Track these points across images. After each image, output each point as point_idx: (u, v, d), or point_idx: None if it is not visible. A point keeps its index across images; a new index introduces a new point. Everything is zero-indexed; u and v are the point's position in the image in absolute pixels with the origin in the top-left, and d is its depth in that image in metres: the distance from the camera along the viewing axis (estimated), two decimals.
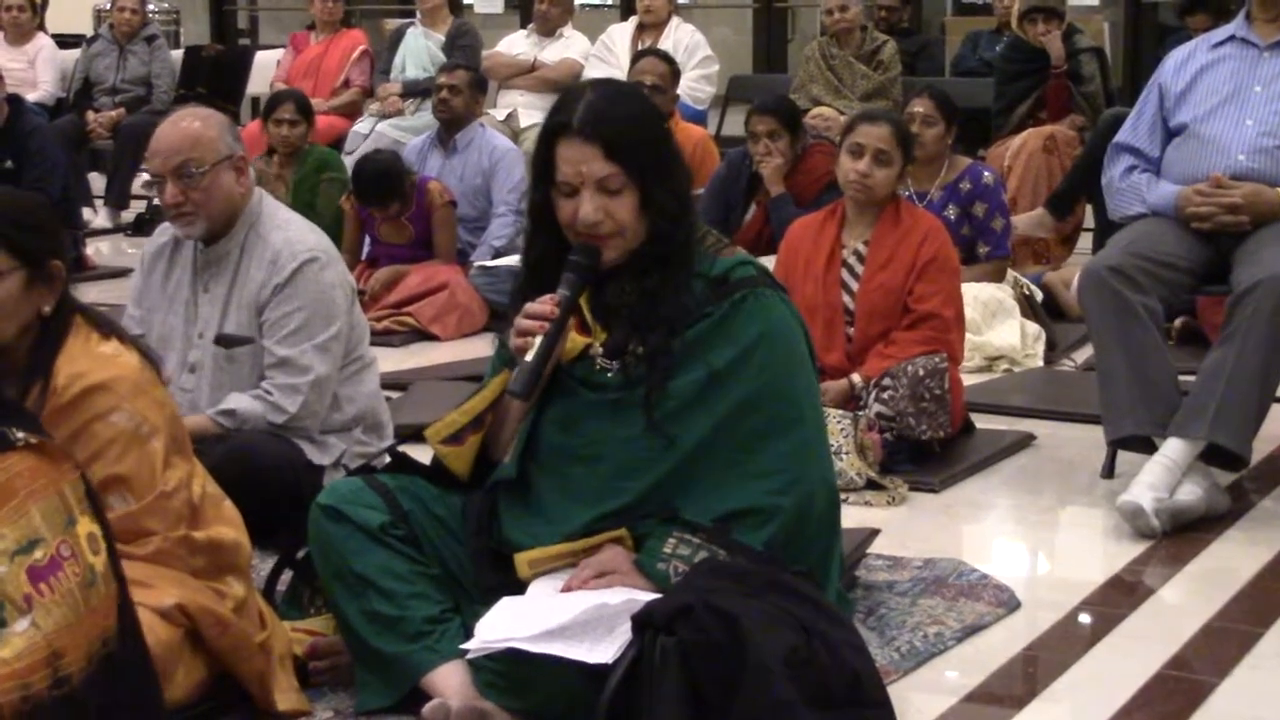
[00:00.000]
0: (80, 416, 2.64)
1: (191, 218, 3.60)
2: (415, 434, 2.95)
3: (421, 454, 2.95)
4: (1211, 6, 7.75)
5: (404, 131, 8.30)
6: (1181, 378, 4.13)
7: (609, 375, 2.75)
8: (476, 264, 6.63)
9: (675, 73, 7.24)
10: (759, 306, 2.72)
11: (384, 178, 6.44)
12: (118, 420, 2.66)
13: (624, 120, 2.72)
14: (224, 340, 3.66)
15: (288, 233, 3.68)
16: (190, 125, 3.58)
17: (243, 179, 3.65)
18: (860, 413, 4.28)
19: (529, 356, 2.66)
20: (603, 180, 2.68)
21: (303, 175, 6.99)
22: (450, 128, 7.09)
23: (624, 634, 2.47)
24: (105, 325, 2.78)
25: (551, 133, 2.72)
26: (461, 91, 7.07)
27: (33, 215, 2.75)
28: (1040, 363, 5.71)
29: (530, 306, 2.69)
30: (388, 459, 3.03)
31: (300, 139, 7.04)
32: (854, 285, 4.53)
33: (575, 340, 2.77)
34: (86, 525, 2.24)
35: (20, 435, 2.26)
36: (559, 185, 2.71)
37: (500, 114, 8.59)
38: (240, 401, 3.61)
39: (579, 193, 2.69)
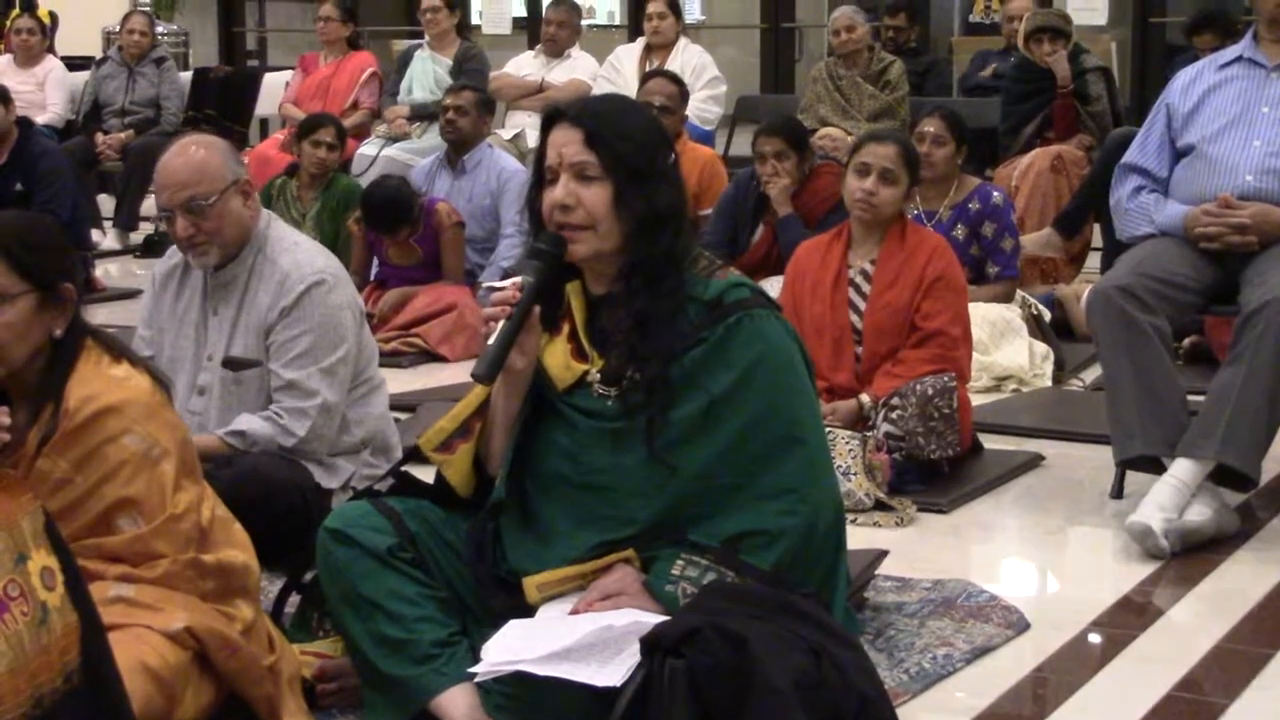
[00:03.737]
0: (91, 439, 2.64)
1: (205, 248, 3.61)
2: (418, 454, 2.95)
3: (426, 474, 2.95)
4: (1219, 26, 7.77)
5: (411, 154, 8.32)
6: (1190, 398, 4.13)
7: (608, 403, 2.74)
8: (485, 285, 6.63)
9: (684, 93, 7.25)
10: (754, 329, 2.71)
11: (393, 205, 6.45)
12: (129, 443, 2.66)
13: (612, 115, 2.74)
14: (232, 363, 3.67)
15: (296, 255, 3.68)
16: (192, 157, 3.57)
17: (249, 202, 3.65)
18: (869, 433, 4.28)
19: (491, 341, 2.66)
20: (578, 165, 2.68)
21: (327, 207, 7.00)
22: (458, 149, 7.11)
23: (632, 656, 2.47)
24: (116, 348, 2.79)
25: (547, 121, 2.76)
26: (468, 112, 7.09)
27: (44, 238, 2.75)
28: (1048, 383, 5.71)
29: (494, 294, 2.71)
30: (391, 480, 3.02)
31: (334, 164, 7.14)
32: (861, 305, 4.54)
33: (573, 367, 2.78)
34: (41, 559, 2.18)
35: None
36: (545, 174, 2.73)
37: (507, 134, 8.61)
38: (250, 423, 3.61)
39: (559, 179, 2.70)
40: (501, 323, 2.66)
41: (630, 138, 2.70)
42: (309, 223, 6.90)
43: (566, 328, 2.81)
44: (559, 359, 2.79)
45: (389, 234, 6.55)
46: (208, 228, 3.57)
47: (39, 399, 2.68)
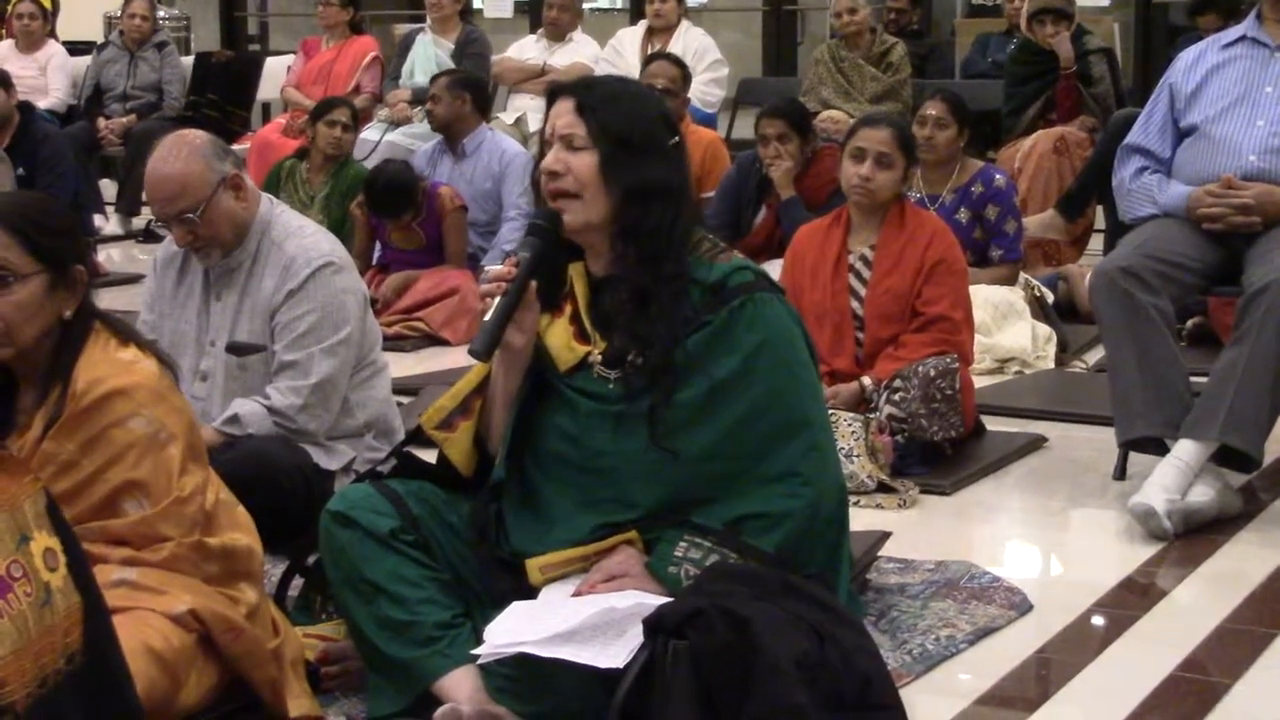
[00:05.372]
0: (98, 422, 2.64)
1: (206, 249, 3.62)
2: (419, 436, 2.95)
3: (428, 457, 2.96)
4: (1222, 7, 7.74)
5: (413, 139, 8.30)
6: (1193, 379, 4.13)
7: (609, 386, 2.75)
8: (487, 269, 6.62)
9: (686, 76, 7.25)
10: (758, 313, 2.71)
11: (397, 189, 6.45)
12: (136, 426, 2.66)
13: (606, 89, 2.78)
14: (236, 348, 3.66)
15: (303, 240, 3.67)
16: (173, 169, 3.53)
17: (242, 193, 3.61)
18: (871, 415, 4.28)
19: (487, 317, 2.67)
20: (567, 136, 2.71)
21: (336, 191, 6.99)
22: (446, 134, 7.11)
23: (635, 638, 2.47)
24: (124, 331, 2.79)
25: (550, 98, 2.80)
26: (440, 98, 7.08)
27: (57, 219, 2.76)
28: (1051, 364, 5.71)
29: (490, 270, 2.72)
30: (394, 461, 3.02)
31: (349, 145, 7.15)
32: (862, 290, 4.53)
33: (575, 349, 2.78)
34: (44, 541, 2.16)
35: None
36: (544, 146, 2.75)
37: (510, 118, 8.60)
38: (242, 406, 3.61)
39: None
40: (497, 299, 2.67)
41: (620, 109, 2.72)
42: (317, 205, 6.89)
43: (569, 309, 2.81)
44: (561, 340, 2.79)
45: (392, 218, 6.55)
46: (203, 233, 3.57)
47: (47, 381, 2.69)
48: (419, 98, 8.66)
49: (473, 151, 7.08)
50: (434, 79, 7.36)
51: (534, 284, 2.72)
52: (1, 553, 2.10)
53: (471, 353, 2.69)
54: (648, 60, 7.63)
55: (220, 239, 3.61)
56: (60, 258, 2.71)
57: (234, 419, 3.59)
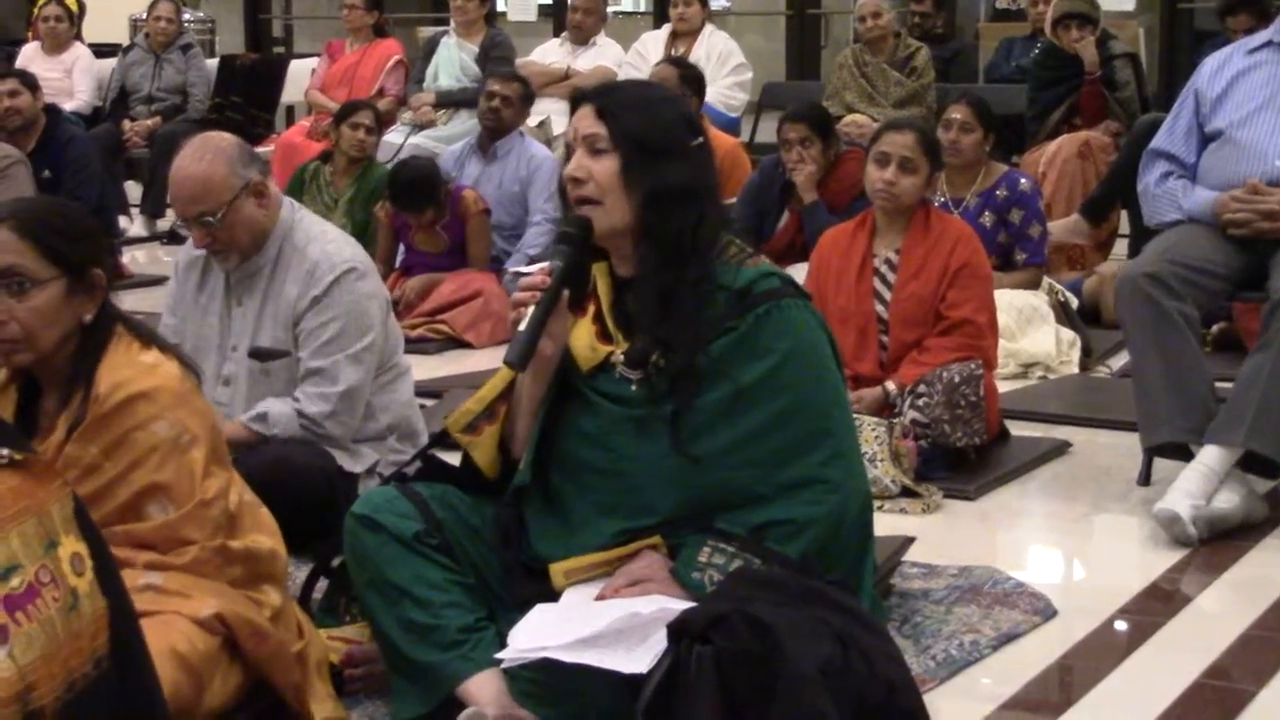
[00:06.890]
0: (121, 425, 2.65)
1: (224, 253, 3.64)
2: (443, 438, 2.95)
3: (453, 458, 2.96)
4: (1253, 7, 7.70)
5: (437, 141, 8.32)
6: (1218, 384, 4.12)
7: (632, 387, 2.74)
8: (511, 271, 6.64)
9: (689, 78, 7.20)
10: (784, 319, 2.70)
11: (420, 183, 6.46)
12: (159, 429, 2.67)
13: (627, 93, 2.79)
14: (259, 354, 3.67)
15: (325, 245, 3.68)
16: (198, 170, 3.54)
17: (264, 200, 3.62)
18: (895, 420, 4.28)
19: (522, 326, 2.67)
20: (589, 138, 2.71)
21: (360, 194, 7.01)
22: (493, 136, 7.11)
23: (658, 643, 2.47)
24: (146, 334, 2.80)
25: (574, 105, 2.80)
26: (513, 103, 7.10)
27: (74, 224, 2.77)
28: (1075, 369, 5.70)
29: (523, 279, 2.71)
30: (419, 464, 3.03)
31: (372, 148, 7.17)
32: (886, 294, 4.53)
33: (597, 349, 2.78)
34: (71, 546, 2.15)
35: (4, 452, 2.12)
36: (569, 152, 2.76)
37: (533, 121, 8.60)
38: (271, 405, 3.62)
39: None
40: (531, 309, 2.66)
41: (641, 113, 2.72)
42: (341, 208, 6.91)
43: (592, 309, 2.81)
44: (584, 340, 2.79)
45: (415, 212, 6.54)
46: (222, 237, 3.59)
47: (69, 385, 2.70)
48: (443, 101, 8.68)
49: (503, 155, 7.08)
50: (507, 79, 7.29)
51: (566, 292, 2.72)
52: (30, 558, 2.10)
53: (507, 363, 2.69)
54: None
55: (238, 244, 3.62)
56: (77, 262, 2.71)
57: (262, 416, 3.60)
